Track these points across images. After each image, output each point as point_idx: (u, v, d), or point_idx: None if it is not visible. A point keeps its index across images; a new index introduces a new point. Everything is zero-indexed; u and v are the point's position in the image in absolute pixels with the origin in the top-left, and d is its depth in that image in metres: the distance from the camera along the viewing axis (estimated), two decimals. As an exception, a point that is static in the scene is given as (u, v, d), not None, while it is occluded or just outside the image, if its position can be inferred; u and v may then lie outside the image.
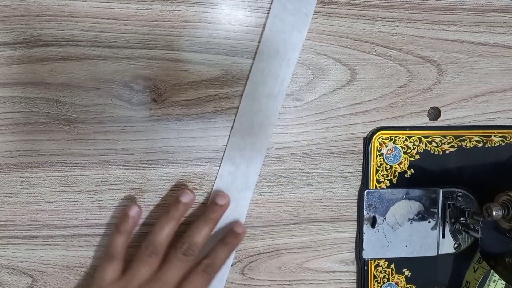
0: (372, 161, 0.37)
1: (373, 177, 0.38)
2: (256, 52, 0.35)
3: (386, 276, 0.39)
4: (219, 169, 0.36)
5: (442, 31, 0.37)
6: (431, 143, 0.38)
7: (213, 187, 0.36)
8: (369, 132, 0.37)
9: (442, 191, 0.38)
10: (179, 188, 0.35)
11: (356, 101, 0.37)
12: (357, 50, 0.36)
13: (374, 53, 0.36)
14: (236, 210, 0.36)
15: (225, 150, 0.35)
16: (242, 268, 0.37)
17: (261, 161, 0.36)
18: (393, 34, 0.36)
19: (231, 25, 0.34)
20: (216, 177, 0.36)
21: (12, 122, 0.33)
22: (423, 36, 0.37)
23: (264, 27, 0.34)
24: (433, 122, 0.38)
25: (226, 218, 0.36)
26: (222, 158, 0.35)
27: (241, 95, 0.35)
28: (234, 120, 0.35)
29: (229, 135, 0.35)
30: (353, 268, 0.39)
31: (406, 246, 0.38)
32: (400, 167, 0.38)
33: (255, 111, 0.35)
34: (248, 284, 0.38)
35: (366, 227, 0.38)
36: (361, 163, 0.38)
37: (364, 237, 0.38)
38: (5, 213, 0.34)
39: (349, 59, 0.36)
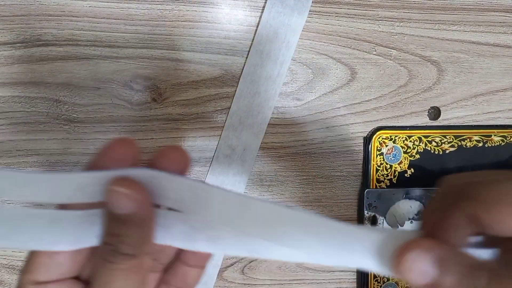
0: (372, 161, 0.37)
1: (373, 176, 0.38)
2: (254, 35, 0.34)
3: (386, 276, 0.39)
4: (215, 152, 0.35)
5: (442, 31, 0.37)
6: (431, 143, 0.38)
7: (208, 170, 0.36)
8: (369, 132, 0.37)
9: (442, 191, 0.38)
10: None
11: (356, 101, 0.37)
12: (357, 49, 0.36)
13: (374, 52, 0.36)
14: None
15: (221, 132, 0.35)
16: (242, 268, 0.37)
17: (258, 144, 0.35)
18: (393, 34, 0.36)
19: (231, 24, 0.34)
20: (211, 159, 0.35)
21: (12, 122, 0.33)
22: (423, 35, 0.37)
23: (263, 9, 0.34)
24: (433, 122, 0.38)
25: None
26: (218, 140, 0.35)
27: (239, 78, 0.34)
28: (231, 102, 0.35)
29: (226, 118, 0.35)
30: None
31: (406, 246, 0.38)
32: (400, 167, 0.38)
33: (253, 94, 0.34)
34: (248, 284, 0.38)
35: (366, 227, 0.38)
36: (361, 162, 0.38)
37: (364, 236, 0.38)
38: (5, 213, 0.34)
39: (349, 59, 0.36)
